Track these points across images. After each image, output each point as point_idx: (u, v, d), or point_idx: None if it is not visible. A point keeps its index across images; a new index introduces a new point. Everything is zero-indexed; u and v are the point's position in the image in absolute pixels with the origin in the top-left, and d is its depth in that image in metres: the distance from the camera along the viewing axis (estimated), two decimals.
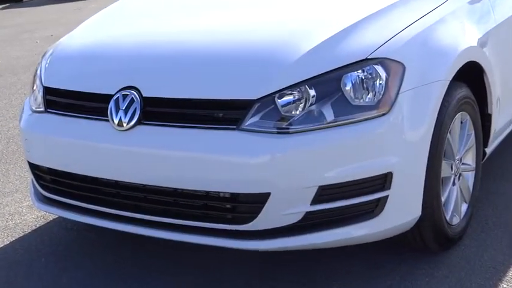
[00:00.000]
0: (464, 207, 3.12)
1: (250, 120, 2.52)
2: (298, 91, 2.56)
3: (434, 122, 2.69)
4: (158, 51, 2.82)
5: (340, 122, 2.53)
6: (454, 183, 3.01)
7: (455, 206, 3.02)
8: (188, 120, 2.61)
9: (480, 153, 3.22)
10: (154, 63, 2.76)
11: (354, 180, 2.54)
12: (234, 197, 2.56)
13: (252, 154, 2.49)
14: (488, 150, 3.35)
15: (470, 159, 3.17)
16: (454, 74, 2.83)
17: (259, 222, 2.54)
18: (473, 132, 3.12)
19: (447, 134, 2.84)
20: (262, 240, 2.55)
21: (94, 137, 2.73)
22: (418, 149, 2.64)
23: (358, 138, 2.53)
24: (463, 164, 3.10)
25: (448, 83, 2.78)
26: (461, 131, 3.05)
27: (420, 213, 2.71)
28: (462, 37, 2.97)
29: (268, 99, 2.55)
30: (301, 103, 2.56)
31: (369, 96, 2.59)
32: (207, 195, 2.58)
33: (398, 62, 2.65)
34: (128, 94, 2.69)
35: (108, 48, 2.98)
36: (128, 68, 2.81)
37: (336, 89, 2.57)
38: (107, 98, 2.73)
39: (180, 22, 3.13)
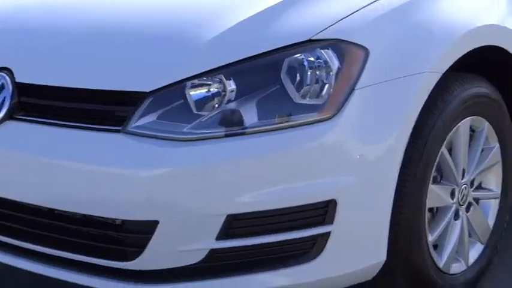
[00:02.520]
0: (477, 249, 2.72)
1: (141, 121, 2.23)
2: (219, 82, 2.26)
3: (411, 130, 2.32)
4: (40, 22, 2.56)
5: (264, 128, 2.21)
6: (457, 216, 2.62)
7: (459, 247, 2.63)
8: (70, 117, 2.35)
9: (509, 175, 2.81)
10: (35, 38, 2.50)
11: (280, 209, 2.19)
12: (119, 225, 2.29)
13: (135, 166, 2.19)
14: None
15: (492, 182, 2.77)
16: (451, 63, 2.44)
17: (146, 260, 2.24)
18: (497, 144, 2.72)
19: (441, 147, 2.47)
20: (147, 285, 2.27)
21: None
22: (381, 168, 2.26)
23: (286, 150, 2.18)
24: (477, 189, 2.71)
25: (438, 75, 2.39)
26: (475, 142, 2.66)
27: (385, 258, 2.35)
28: (470, 10, 2.56)
29: (173, 92, 2.25)
30: (219, 99, 2.27)
31: (314, 92, 2.26)
32: (88, 220, 2.33)
33: (359, 45, 2.28)
34: None
35: None
36: None
37: (263, 82, 2.24)
38: None
39: None
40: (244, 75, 2.23)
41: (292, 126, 2.20)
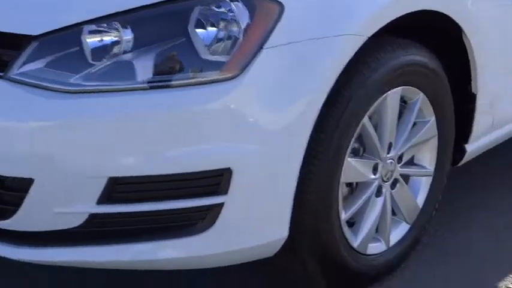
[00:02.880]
0: (401, 229, 2.52)
1: (25, 67, 2.00)
2: (117, 30, 2.04)
3: (325, 96, 2.10)
4: None
5: (161, 84, 1.98)
6: (379, 193, 2.41)
7: (380, 227, 2.43)
8: None
9: (446, 151, 2.59)
10: None
11: (168, 175, 2.00)
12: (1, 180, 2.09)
13: (10, 117, 1.98)
14: (471, 148, 2.71)
15: (426, 158, 2.55)
16: (380, 27, 2.20)
17: (20, 220, 2.05)
18: (433, 118, 2.50)
19: (363, 117, 2.24)
20: (20, 247, 2.08)
21: None
22: (286, 136, 2.04)
23: (177, 110, 1.97)
24: (407, 164, 2.49)
25: (363, 39, 2.15)
26: (406, 114, 2.44)
27: (287, 234, 2.15)
28: None
29: (66, 38, 2.02)
30: (118, 49, 2.04)
31: (222, 48, 2.03)
32: None
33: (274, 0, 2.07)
34: None
35: None
36: None
37: (167, 33, 2.01)
38: None
39: None
40: (144, 24, 2.02)
41: (190, 84, 1.98)
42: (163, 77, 1.98)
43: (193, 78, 1.98)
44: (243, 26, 2.01)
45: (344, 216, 2.28)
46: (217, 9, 2.03)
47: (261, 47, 2.01)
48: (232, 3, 2.02)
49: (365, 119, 2.24)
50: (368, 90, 2.21)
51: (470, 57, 2.53)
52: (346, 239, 2.30)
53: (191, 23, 2.00)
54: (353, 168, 2.25)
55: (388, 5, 2.20)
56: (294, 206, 2.11)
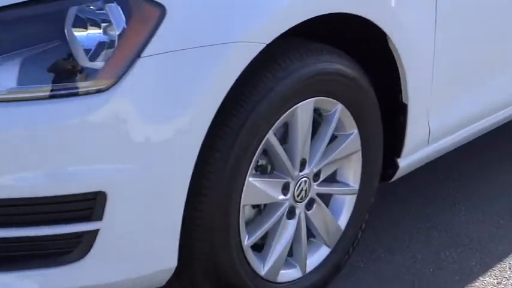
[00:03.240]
0: (321, 253, 2.30)
1: None
2: None
3: (216, 110, 1.88)
4: None
5: (21, 96, 1.77)
6: (292, 214, 2.19)
7: (295, 251, 2.22)
8: None
9: (373, 167, 2.37)
10: None
11: (33, 198, 1.79)
12: None
13: None
14: (404, 162, 2.48)
15: (350, 175, 2.33)
16: (279, 34, 1.97)
17: None
18: (355, 130, 2.27)
19: (268, 132, 2.02)
20: None
21: None
22: (170, 155, 1.83)
23: (43, 127, 1.76)
24: (327, 182, 2.27)
25: (259, 46, 1.93)
26: (322, 128, 2.21)
27: (175, 263, 1.93)
28: None
29: None
30: None
31: (103, 54, 1.82)
32: None
33: (153, 1, 1.84)
34: None
35: None
36: None
37: (38, 36, 1.79)
38: None
39: None
40: (10, 27, 1.80)
41: (60, 96, 1.77)
42: (28, 87, 1.77)
43: (63, 89, 1.77)
44: (118, 31, 1.79)
45: (247, 241, 2.07)
46: (97, 11, 1.81)
47: (138, 55, 1.79)
48: (107, 4, 1.81)
49: (269, 135, 2.02)
50: (273, 102, 1.99)
51: (398, 64, 2.30)
52: (250, 266, 2.08)
53: (68, 25, 1.79)
54: (256, 189, 2.04)
55: (286, 9, 1.97)
56: (183, 232, 1.90)
